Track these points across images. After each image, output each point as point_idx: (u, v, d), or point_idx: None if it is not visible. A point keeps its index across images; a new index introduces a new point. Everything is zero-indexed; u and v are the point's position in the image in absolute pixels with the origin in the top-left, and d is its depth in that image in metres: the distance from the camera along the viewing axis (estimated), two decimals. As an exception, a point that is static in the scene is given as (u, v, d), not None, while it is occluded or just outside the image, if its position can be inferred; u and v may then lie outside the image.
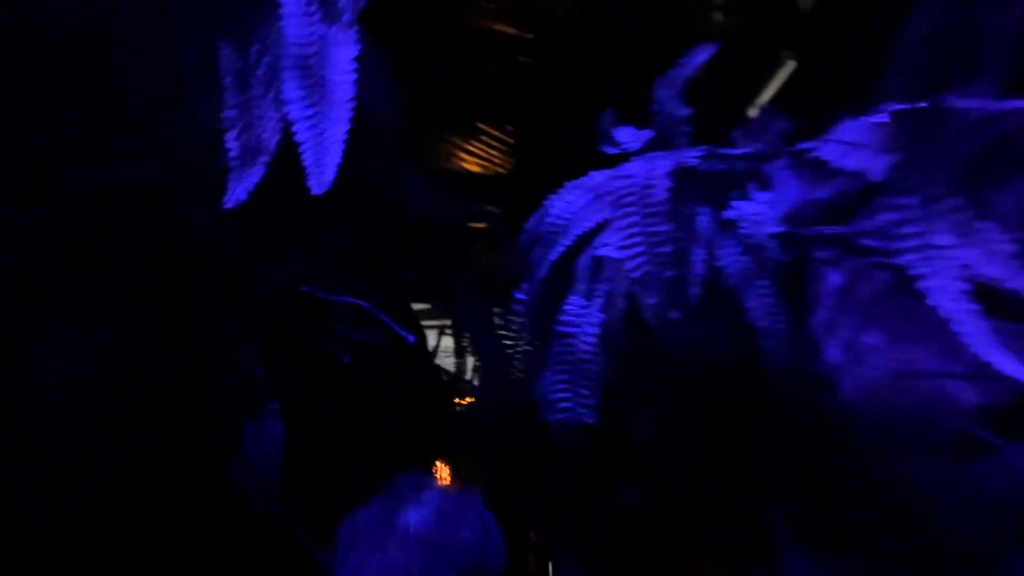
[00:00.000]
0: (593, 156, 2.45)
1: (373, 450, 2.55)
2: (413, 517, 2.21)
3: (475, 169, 3.17)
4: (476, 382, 2.97)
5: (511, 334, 2.56)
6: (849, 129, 2.20)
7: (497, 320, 2.67)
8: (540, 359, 2.46)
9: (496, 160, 3.19)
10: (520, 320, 2.50)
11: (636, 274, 2.21)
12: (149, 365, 2.32)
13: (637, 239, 2.22)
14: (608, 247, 2.29)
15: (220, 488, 2.35)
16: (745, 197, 2.29)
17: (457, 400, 3.00)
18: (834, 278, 2.20)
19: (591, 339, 2.35)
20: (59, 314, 2.21)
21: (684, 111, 2.37)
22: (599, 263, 2.39)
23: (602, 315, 2.34)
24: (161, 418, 2.33)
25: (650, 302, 2.21)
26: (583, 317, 2.38)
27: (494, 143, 3.14)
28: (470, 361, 2.97)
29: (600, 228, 2.40)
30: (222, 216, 2.03)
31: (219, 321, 2.41)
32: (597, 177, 2.43)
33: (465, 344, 2.94)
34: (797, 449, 2.27)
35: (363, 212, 2.53)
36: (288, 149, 2.01)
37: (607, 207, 2.39)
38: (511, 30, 3.00)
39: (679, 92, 2.37)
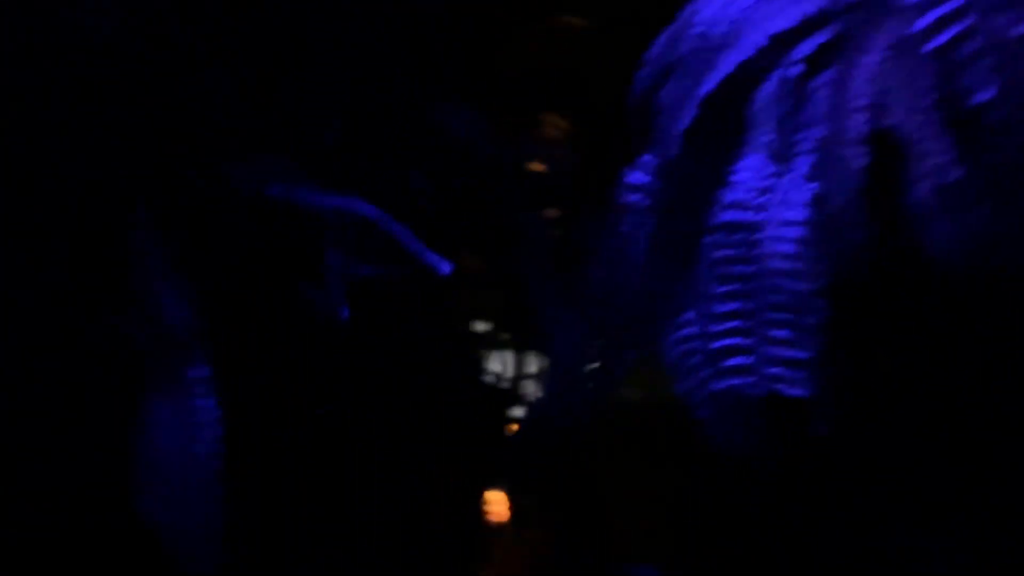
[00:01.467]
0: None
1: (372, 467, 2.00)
2: None
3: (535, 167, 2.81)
4: (542, 385, 2.44)
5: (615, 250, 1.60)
6: None
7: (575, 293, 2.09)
8: (675, 285, 1.50)
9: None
10: (639, 212, 1.52)
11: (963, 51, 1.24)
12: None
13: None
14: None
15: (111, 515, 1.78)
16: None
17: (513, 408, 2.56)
18: None
19: (793, 233, 1.35)
20: None
21: None
22: (801, 92, 1.38)
23: (814, 187, 1.35)
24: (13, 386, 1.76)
25: (994, 116, 1.21)
26: (772, 194, 1.38)
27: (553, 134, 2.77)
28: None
29: (796, 35, 1.42)
30: None
31: (124, 225, 1.83)
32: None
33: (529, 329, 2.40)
34: None
35: (389, 120, 1.97)
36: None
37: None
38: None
39: None
